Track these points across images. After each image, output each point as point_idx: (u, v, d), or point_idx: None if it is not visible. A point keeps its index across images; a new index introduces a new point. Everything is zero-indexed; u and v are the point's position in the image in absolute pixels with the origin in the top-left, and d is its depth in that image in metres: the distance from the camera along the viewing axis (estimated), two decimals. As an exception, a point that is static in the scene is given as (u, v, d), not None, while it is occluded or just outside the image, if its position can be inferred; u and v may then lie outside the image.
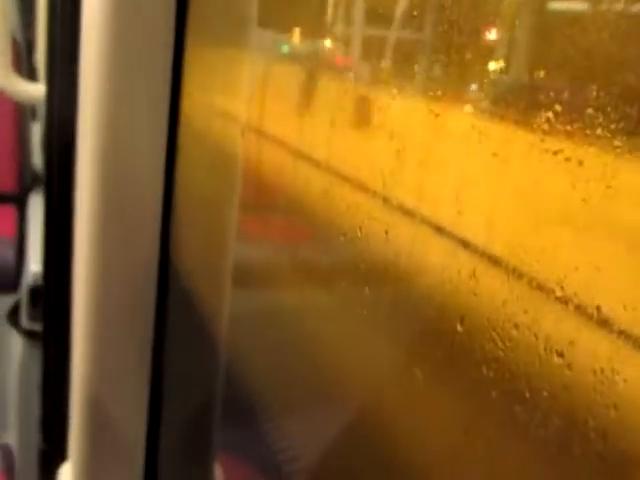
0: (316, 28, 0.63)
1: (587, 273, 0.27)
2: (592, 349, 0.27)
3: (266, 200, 0.80)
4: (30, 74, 1.74)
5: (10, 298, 1.58)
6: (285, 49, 0.73)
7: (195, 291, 0.80)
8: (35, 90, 1.02)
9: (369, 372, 0.47)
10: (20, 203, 1.72)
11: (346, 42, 0.63)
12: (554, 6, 0.33)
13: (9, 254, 1.68)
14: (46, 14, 1.00)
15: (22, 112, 1.76)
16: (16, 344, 1.51)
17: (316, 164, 0.58)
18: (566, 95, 0.29)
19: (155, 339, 0.70)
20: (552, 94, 0.29)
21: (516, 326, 0.30)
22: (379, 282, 0.47)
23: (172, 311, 0.72)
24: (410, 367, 0.41)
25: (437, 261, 0.40)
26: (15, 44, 1.62)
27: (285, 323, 0.63)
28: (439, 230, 0.40)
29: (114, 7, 0.68)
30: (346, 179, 0.52)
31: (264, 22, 0.73)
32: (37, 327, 1.30)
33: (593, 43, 0.28)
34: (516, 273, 0.31)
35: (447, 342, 0.36)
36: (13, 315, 1.50)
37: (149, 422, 0.71)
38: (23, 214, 1.68)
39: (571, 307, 0.28)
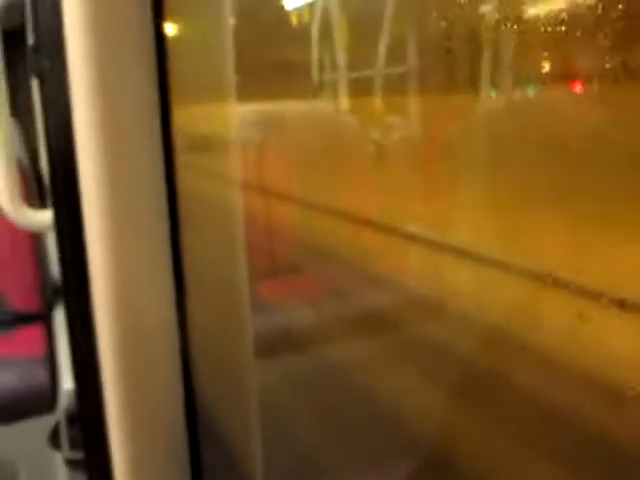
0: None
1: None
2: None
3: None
4: (41, 197, 1.77)
5: (49, 419, 1.56)
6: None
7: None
8: (45, 217, 1.03)
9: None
10: (46, 320, 1.72)
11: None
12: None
13: (42, 374, 1.67)
14: (45, 142, 1.02)
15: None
16: (60, 467, 1.48)
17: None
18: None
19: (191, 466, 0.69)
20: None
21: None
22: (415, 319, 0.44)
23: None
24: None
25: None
26: (22, 169, 1.65)
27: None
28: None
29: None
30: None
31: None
32: (78, 455, 1.28)
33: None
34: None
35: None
36: (54, 438, 1.48)
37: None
38: (50, 331, 1.67)
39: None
